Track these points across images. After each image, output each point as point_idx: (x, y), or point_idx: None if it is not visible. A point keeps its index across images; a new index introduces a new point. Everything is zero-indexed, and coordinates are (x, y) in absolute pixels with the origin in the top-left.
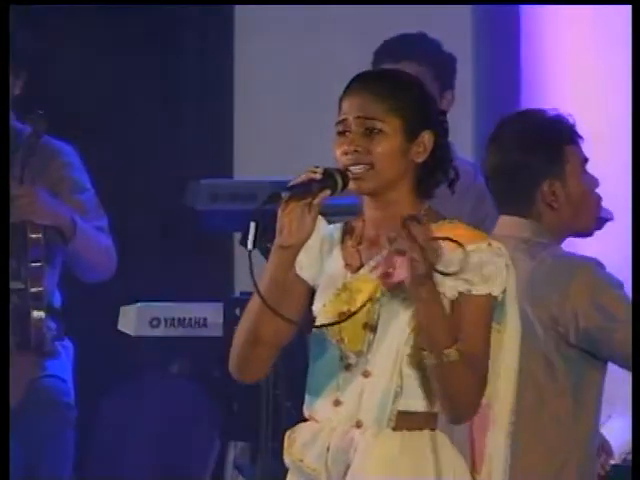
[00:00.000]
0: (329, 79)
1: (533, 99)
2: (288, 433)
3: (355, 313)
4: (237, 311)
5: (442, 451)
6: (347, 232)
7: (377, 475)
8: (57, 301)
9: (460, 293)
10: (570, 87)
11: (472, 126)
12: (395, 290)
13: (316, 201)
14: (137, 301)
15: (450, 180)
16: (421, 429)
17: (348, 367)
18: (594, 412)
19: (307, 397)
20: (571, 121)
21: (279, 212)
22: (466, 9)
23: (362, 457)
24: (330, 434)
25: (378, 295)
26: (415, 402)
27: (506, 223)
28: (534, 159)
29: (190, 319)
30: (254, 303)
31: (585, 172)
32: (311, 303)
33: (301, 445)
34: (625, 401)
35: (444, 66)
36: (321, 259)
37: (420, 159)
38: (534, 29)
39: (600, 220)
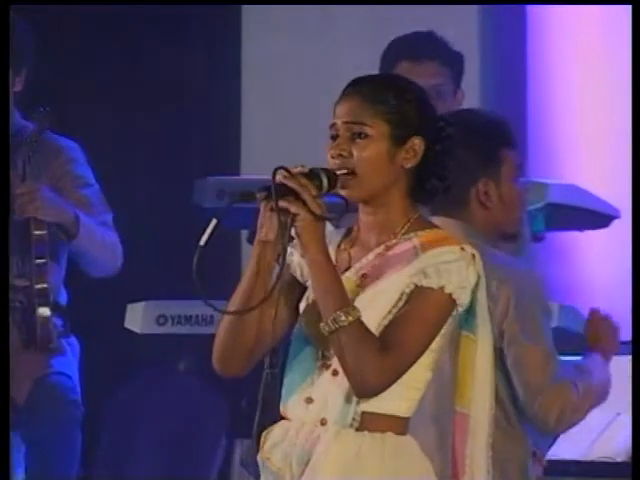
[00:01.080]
0: (336, 78)
1: (539, 98)
2: (264, 433)
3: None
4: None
5: (405, 456)
6: (346, 236)
7: (334, 474)
8: (63, 298)
9: (415, 286)
10: (575, 86)
11: None
12: (368, 290)
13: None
14: (144, 298)
15: (446, 187)
16: (384, 431)
17: (323, 366)
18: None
19: (283, 395)
20: (509, 126)
21: (261, 208)
22: (473, 9)
23: (320, 456)
24: (297, 433)
25: (355, 295)
26: (380, 404)
27: (438, 224)
28: (471, 159)
29: (197, 316)
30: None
31: (519, 177)
32: None
33: (271, 444)
34: (630, 402)
35: (458, 65)
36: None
37: (409, 165)
38: (540, 29)
39: (606, 217)
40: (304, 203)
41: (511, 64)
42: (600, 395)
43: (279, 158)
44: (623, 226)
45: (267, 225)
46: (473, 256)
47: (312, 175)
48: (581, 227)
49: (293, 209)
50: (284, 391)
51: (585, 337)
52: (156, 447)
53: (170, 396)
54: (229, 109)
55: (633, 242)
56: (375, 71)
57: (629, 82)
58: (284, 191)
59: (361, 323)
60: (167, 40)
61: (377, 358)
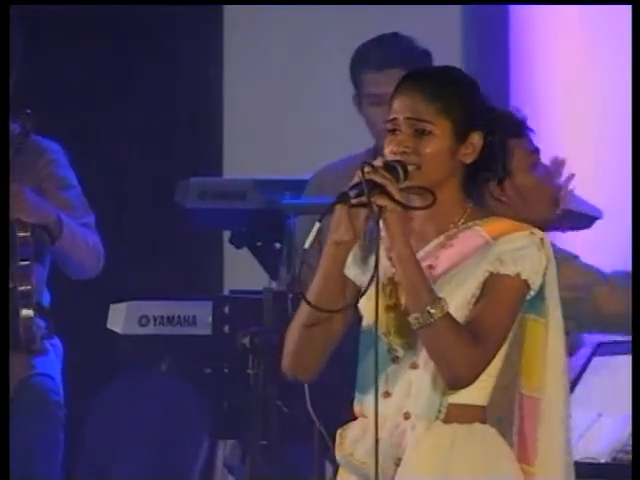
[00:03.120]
0: (318, 79)
1: (521, 99)
2: (339, 431)
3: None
4: (226, 309)
5: (492, 445)
6: None
7: (429, 468)
8: (46, 299)
9: (490, 273)
10: (559, 88)
11: None
12: (439, 282)
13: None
14: (126, 299)
15: (500, 178)
16: (471, 422)
17: (396, 360)
18: None
19: (357, 393)
20: (519, 114)
21: (337, 209)
22: (456, 9)
23: (414, 450)
24: (380, 428)
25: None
26: (463, 394)
27: None
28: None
29: (179, 317)
30: (304, 305)
31: (535, 164)
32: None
33: (352, 441)
34: (615, 400)
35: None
36: (366, 256)
37: (469, 160)
38: (523, 30)
39: (588, 218)
40: (390, 195)
41: (493, 65)
42: None
43: (261, 159)
44: (606, 227)
45: (345, 225)
46: (542, 240)
47: (390, 167)
48: (563, 228)
49: (382, 202)
50: (358, 389)
51: None
52: (138, 448)
53: (152, 397)
54: (211, 110)
55: (633, 242)
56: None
57: (613, 82)
58: (372, 186)
59: (450, 316)
60: (149, 41)
61: (468, 349)
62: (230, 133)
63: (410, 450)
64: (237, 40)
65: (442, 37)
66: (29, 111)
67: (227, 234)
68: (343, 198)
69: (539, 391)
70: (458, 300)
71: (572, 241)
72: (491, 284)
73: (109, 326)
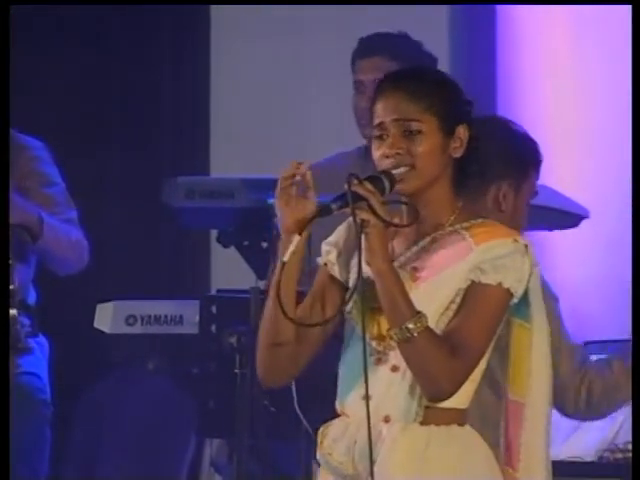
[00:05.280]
0: (305, 78)
1: (509, 99)
2: (321, 429)
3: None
4: (213, 309)
5: (470, 446)
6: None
7: (404, 469)
8: (31, 298)
9: (472, 281)
10: (545, 88)
11: None
12: (422, 286)
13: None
14: (113, 298)
15: (482, 171)
16: (448, 424)
17: (379, 362)
18: None
19: (339, 392)
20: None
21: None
22: (442, 10)
23: (389, 451)
24: (358, 428)
25: (407, 290)
26: None
27: None
28: (502, 161)
29: (166, 316)
30: (267, 306)
31: (530, 199)
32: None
33: (331, 440)
34: None
35: (414, 59)
36: (352, 257)
37: (458, 154)
38: (509, 29)
39: (574, 217)
40: (372, 209)
41: (481, 65)
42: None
43: (249, 158)
44: (592, 226)
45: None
46: (526, 246)
47: (375, 180)
48: (550, 227)
49: (364, 216)
50: (340, 388)
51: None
52: (125, 447)
53: (139, 396)
54: (198, 109)
55: (633, 242)
56: (344, 72)
57: (602, 80)
58: (356, 198)
59: (430, 331)
60: (136, 40)
61: (448, 363)
62: (217, 132)
63: (385, 451)
64: (224, 39)
65: (429, 38)
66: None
67: (214, 233)
68: (325, 210)
69: (523, 396)
70: (436, 306)
71: (572, 241)
72: (472, 293)
73: (96, 325)
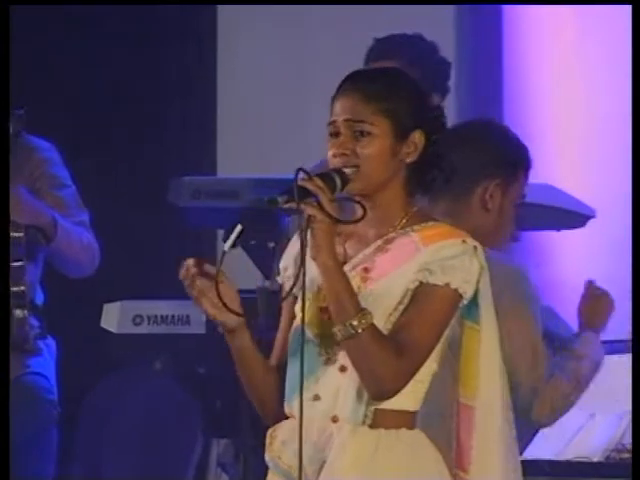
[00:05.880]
0: (312, 77)
1: (515, 99)
2: (270, 431)
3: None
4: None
5: (419, 451)
6: (338, 232)
7: (352, 473)
8: (39, 299)
9: (420, 282)
10: (551, 87)
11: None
12: (371, 287)
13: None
14: (120, 298)
15: (446, 177)
16: (398, 427)
17: (328, 362)
18: None
19: (287, 393)
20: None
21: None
22: (449, 9)
23: (337, 454)
24: (307, 431)
25: (357, 291)
26: (393, 400)
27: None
28: (491, 162)
29: (173, 316)
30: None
31: (518, 201)
32: None
33: (280, 442)
34: (607, 400)
35: (429, 66)
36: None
37: (410, 159)
38: (515, 29)
39: (581, 217)
40: (320, 206)
41: (487, 65)
42: (592, 375)
43: (255, 158)
44: (599, 225)
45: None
46: (475, 248)
47: (326, 177)
48: (557, 227)
49: (310, 211)
50: (287, 389)
51: (580, 312)
52: (132, 447)
53: (146, 396)
54: (205, 108)
55: (633, 242)
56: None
57: (608, 83)
58: (304, 194)
59: (375, 328)
60: (143, 39)
61: (392, 362)
62: (224, 132)
63: (333, 454)
64: (231, 39)
65: (436, 39)
66: (20, 110)
67: (221, 233)
68: (272, 202)
69: (473, 399)
70: (385, 306)
71: (573, 241)
72: (420, 294)
73: (103, 325)
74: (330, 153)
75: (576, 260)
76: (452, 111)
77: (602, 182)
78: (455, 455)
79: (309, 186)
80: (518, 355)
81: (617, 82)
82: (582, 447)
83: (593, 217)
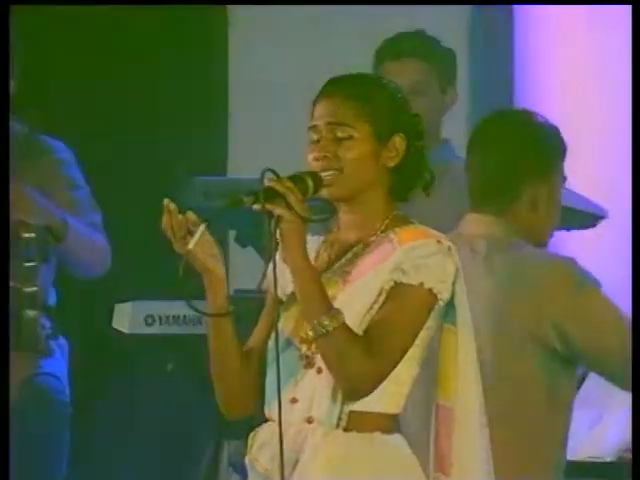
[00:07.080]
0: (324, 77)
1: (527, 98)
2: (251, 434)
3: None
4: (231, 308)
5: (393, 456)
6: (325, 240)
7: (323, 476)
8: (52, 299)
9: (395, 282)
10: (563, 87)
11: (467, 126)
12: (348, 289)
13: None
14: (132, 299)
15: (425, 183)
16: (372, 431)
17: (307, 365)
18: (569, 409)
19: (266, 396)
20: (562, 137)
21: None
22: (465, 10)
23: (310, 457)
24: (285, 433)
25: (337, 294)
26: (367, 402)
27: (476, 221)
28: (529, 161)
29: (185, 317)
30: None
31: (562, 188)
32: None
33: (258, 446)
34: (617, 400)
35: (445, 61)
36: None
37: (392, 163)
38: (528, 29)
39: (593, 217)
40: (289, 206)
41: (500, 65)
42: None
43: (266, 158)
44: (610, 226)
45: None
46: (449, 248)
47: (297, 178)
48: (568, 227)
49: (279, 211)
50: (267, 393)
51: None
52: (144, 447)
53: (157, 396)
54: (216, 109)
55: (633, 242)
56: (364, 71)
57: (619, 82)
58: (272, 194)
59: (346, 327)
60: (154, 40)
61: (364, 361)
62: (235, 132)
63: (306, 456)
64: (242, 39)
65: (448, 39)
66: (33, 110)
67: (232, 233)
68: (236, 202)
69: (451, 400)
70: (359, 307)
71: (572, 241)
72: (394, 293)
73: (114, 325)
74: (311, 157)
75: (588, 260)
76: (464, 112)
77: (614, 181)
78: (435, 458)
79: (277, 187)
80: (606, 347)
81: (624, 82)
82: (594, 447)
83: (605, 217)
